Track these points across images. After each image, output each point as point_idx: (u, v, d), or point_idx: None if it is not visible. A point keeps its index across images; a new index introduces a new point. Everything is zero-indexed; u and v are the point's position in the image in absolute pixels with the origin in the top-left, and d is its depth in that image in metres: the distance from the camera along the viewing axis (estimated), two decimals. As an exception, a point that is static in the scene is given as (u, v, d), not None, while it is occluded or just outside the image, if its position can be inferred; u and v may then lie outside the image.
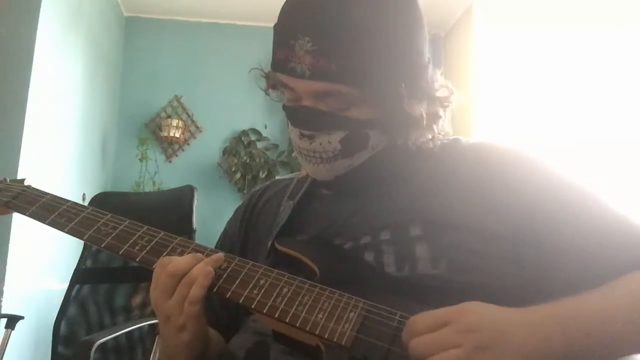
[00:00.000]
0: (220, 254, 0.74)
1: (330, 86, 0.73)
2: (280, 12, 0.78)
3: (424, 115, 0.78)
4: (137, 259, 0.76)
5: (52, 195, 0.88)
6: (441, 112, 0.83)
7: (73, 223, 0.82)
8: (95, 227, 0.80)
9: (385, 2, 0.75)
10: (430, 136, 0.81)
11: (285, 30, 0.75)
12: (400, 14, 0.76)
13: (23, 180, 0.95)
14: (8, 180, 0.95)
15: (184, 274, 0.70)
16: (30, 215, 0.86)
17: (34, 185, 0.93)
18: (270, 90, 0.87)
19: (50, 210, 0.85)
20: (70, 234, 0.81)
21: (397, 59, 0.75)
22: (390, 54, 0.74)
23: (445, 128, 0.84)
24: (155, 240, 0.77)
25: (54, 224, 0.83)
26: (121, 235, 0.79)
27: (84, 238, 0.80)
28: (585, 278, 0.66)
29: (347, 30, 0.72)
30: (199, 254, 0.74)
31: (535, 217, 0.73)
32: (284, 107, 0.82)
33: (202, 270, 0.70)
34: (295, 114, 0.79)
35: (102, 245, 0.78)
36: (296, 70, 0.73)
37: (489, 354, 0.55)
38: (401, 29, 0.76)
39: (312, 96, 0.76)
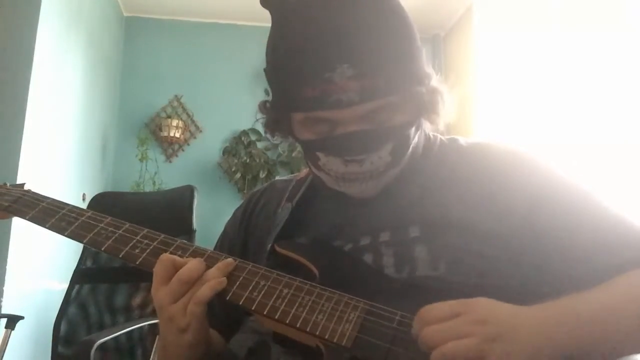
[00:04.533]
0: (230, 260, 0.73)
1: (382, 101, 0.73)
2: (284, 53, 0.74)
3: (438, 90, 0.79)
4: (137, 262, 0.76)
5: (51, 199, 0.88)
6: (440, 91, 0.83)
7: (73, 227, 0.82)
8: (95, 231, 0.80)
9: (386, 2, 0.75)
10: (439, 119, 0.82)
11: (312, 66, 0.71)
12: (399, 7, 0.77)
13: (23, 184, 0.96)
14: (8, 184, 0.96)
15: (196, 280, 0.70)
16: (30, 220, 0.86)
17: (33, 187, 0.93)
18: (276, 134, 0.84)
19: (50, 214, 0.85)
20: (70, 237, 0.81)
21: (413, 48, 0.76)
22: (411, 47, 0.76)
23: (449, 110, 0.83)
24: (154, 244, 0.77)
25: (54, 228, 0.83)
26: (121, 238, 0.78)
27: (84, 241, 0.80)
28: (584, 277, 0.67)
29: (377, 41, 0.72)
30: (202, 259, 0.73)
31: (535, 216, 0.73)
32: (310, 142, 0.78)
33: (215, 275, 0.70)
34: (339, 143, 0.75)
35: (103, 249, 0.78)
36: (342, 100, 0.71)
37: (499, 346, 0.56)
38: (407, 20, 0.77)
39: (359, 119, 0.74)
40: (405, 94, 0.75)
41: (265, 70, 0.79)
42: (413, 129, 0.78)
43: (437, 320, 0.58)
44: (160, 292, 0.71)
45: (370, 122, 0.74)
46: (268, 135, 0.86)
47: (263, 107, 0.84)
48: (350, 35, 0.71)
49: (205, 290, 0.69)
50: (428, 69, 0.80)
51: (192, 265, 0.71)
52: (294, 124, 0.80)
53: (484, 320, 0.58)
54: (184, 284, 0.69)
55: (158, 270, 0.72)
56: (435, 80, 0.80)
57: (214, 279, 0.70)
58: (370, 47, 0.71)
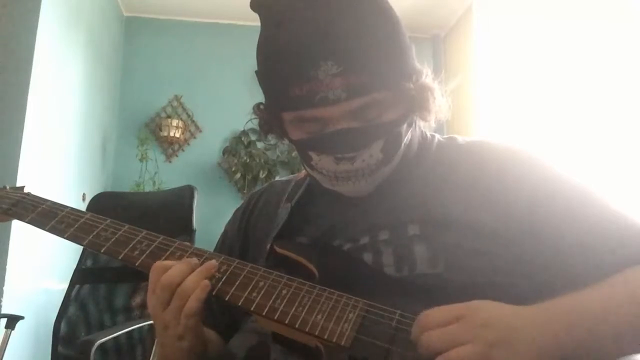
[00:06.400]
0: (213, 262, 0.73)
1: (368, 98, 0.73)
2: (271, 55, 0.75)
3: (428, 86, 0.79)
4: (137, 264, 0.76)
5: (51, 201, 0.88)
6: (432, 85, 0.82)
7: (72, 229, 0.82)
8: (95, 233, 0.80)
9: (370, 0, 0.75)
10: (433, 113, 0.81)
11: (297, 65, 0.72)
12: (384, 4, 0.77)
13: (22, 187, 0.96)
14: (7, 187, 0.96)
15: (178, 284, 0.70)
16: (29, 222, 0.86)
17: (34, 187, 0.94)
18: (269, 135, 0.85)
19: (49, 216, 0.85)
20: (70, 239, 0.81)
21: (399, 45, 0.76)
22: (397, 44, 0.76)
23: (443, 107, 0.83)
24: (154, 245, 0.77)
25: (54, 230, 0.83)
26: (120, 240, 0.79)
27: (84, 243, 0.80)
28: (584, 274, 0.67)
29: (361, 38, 0.72)
30: (193, 258, 0.73)
31: (534, 214, 0.73)
32: (302, 142, 0.78)
33: (197, 282, 0.70)
34: (329, 141, 0.75)
35: (102, 251, 0.78)
36: (329, 98, 0.71)
37: (502, 351, 0.56)
38: (392, 16, 0.77)
39: (348, 116, 0.74)
40: (393, 90, 0.75)
41: (256, 72, 0.79)
42: (404, 126, 0.78)
43: (437, 325, 0.58)
44: (151, 301, 0.72)
45: (360, 119, 0.74)
46: (263, 137, 0.86)
47: (257, 109, 0.84)
48: (334, 33, 0.71)
49: (192, 303, 0.69)
50: (417, 66, 0.80)
51: (174, 269, 0.71)
52: (286, 125, 0.80)
53: (486, 324, 0.57)
54: (166, 289, 0.70)
55: (151, 278, 0.72)
56: (426, 77, 0.80)
57: (198, 288, 0.69)
58: (354, 44, 0.71)
